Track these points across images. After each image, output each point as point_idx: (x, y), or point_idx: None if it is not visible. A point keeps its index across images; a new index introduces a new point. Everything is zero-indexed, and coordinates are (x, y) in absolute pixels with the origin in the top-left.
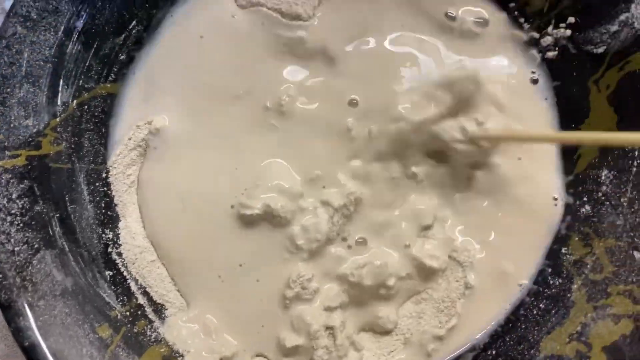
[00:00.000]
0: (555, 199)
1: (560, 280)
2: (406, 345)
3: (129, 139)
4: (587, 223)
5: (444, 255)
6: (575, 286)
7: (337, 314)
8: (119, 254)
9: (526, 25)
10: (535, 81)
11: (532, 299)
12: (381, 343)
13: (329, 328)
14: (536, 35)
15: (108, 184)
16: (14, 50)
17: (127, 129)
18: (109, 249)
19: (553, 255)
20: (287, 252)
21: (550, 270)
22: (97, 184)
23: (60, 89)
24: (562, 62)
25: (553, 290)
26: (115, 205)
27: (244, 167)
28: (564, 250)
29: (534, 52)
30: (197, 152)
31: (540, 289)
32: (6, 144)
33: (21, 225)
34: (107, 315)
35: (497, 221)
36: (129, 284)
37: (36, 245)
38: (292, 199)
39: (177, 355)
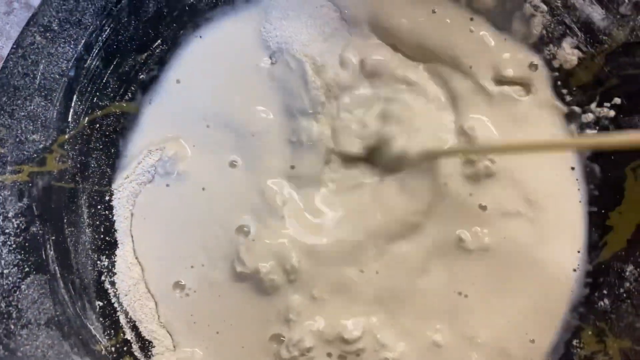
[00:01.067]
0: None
1: None
2: None
3: (139, 163)
4: (604, 318)
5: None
6: None
7: None
8: (112, 284)
9: (568, 98)
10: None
11: None
12: None
13: None
14: (578, 110)
15: (110, 208)
16: (30, 60)
17: (138, 152)
18: (103, 277)
19: (563, 346)
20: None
21: None
22: (98, 207)
23: (72, 104)
24: None
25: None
26: (115, 231)
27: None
28: (575, 342)
29: (573, 126)
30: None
31: None
32: (9, 158)
33: (14, 246)
34: (92, 350)
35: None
36: (118, 316)
37: (27, 269)
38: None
39: None
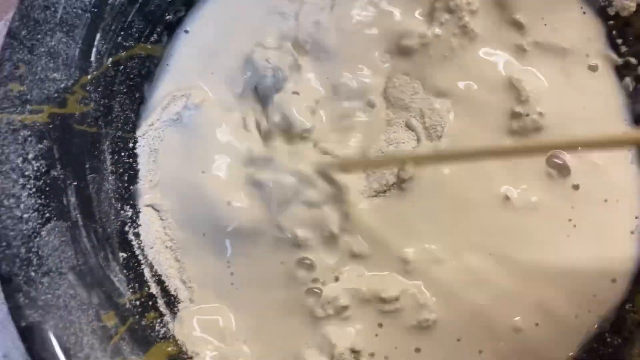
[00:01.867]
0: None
1: (619, 340)
2: None
3: (164, 109)
4: None
5: None
6: (636, 350)
7: (364, 336)
8: (136, 235)
9: (624, 48)
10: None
11: (585, 355)
12: None
13: (355, 352)
14: (634, 61)
15: (135, 156)
16: None
17: (162, 97)
18: (126, 228)
19: (615, 311)
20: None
21: (609, 326)
22: (122, 154)
23: (96, 43)
24: None
25: (609, 350)
26: (139, 180)
27: None
28: (628, 306)
29: (628, 80)
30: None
31: (596, 346)
32: (29, 96)
33: (34, 190)
34: (115, 303)
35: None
36: (142, 269)
37: (47, 215)
38: None
39: (185, 356)
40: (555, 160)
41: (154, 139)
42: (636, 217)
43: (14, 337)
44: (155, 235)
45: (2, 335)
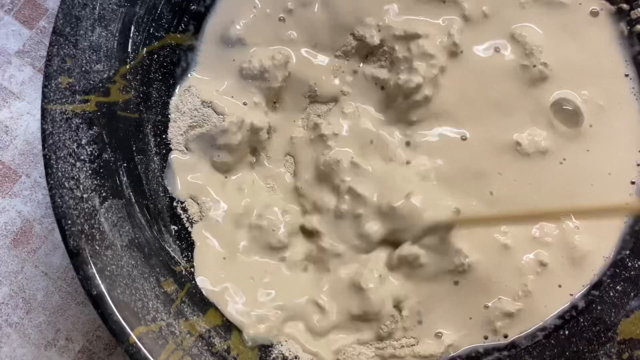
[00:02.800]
0: (633, 183)
1: (639, 263)
2: (475, 320)
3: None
4: None
5: None
6: None
7: (405, 285)
8: (184, 209)
9: None
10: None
11: (609, 280)
12: (448, 316)
13: (398, 299)
14: (626, 6)
15: None
16: None
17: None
18: (175, 203)
19: (633, 235)
20: None
21: (628, 252)
22: (163, 136)
23: (131, 35)
24: None
25: (632, 273)
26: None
27: None
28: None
29: (622, 25)
30: None
31: (617, 271)
32: (77, 87)
33: (90, 172)
34: (172, 270)
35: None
36: (193, 240)
37: (104, 194)
38: None
39: None
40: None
41: None
42: None
43: (74, 320)
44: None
45: (63, 319)
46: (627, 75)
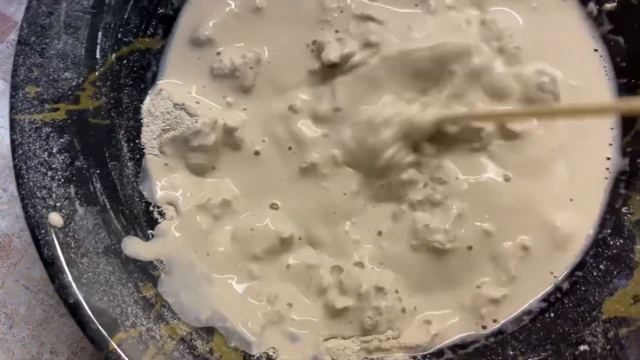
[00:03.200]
0: (608, 159)
1: (621, 241)
2: (460, 308)
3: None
4: None
5: None
6: (638, 246)
7: (388, 275)
8: (161, 214)
9: None
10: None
11: (592, 260)
12: (433, 305)
13: (380, 289)
14: None
15: None
16: None
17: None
18: (151, 208)
19: (612, 214)
20: None
21: (609, 230)
22: (136, 141)
23: (99, 41)
24: (622, 13)
25: (614, 251)
26: None
27: None
28: (624, 209)
29: (592, 4)
30: None
31: (600, 250)
32: (45, 96)
33: (62, 180)
34: (151, 275)
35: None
36: None
37: (77, 202)
38: None
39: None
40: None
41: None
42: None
43: (58, 332)
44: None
45: (46, 332)
46: (596, 51)
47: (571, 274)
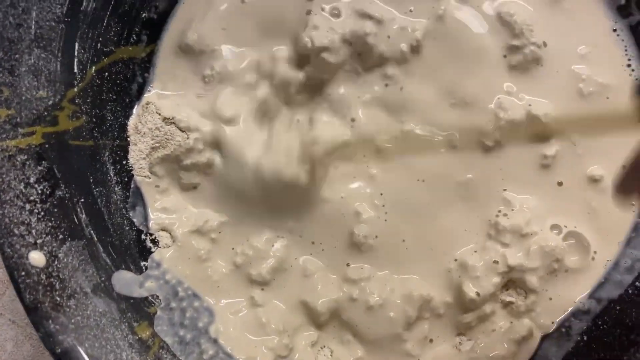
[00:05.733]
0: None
1: None
2: None
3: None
4: None
5: None
6: None
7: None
8: (154, 242)
9: None
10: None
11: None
12: None
13: None
14: None
15: None
16: (20, 8)
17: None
18: (143, 236)
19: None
20: None
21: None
22: (123, 162)
23: (76, 53)
24: None
25: None
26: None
27: None
28: None
29: None
30: None
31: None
32: (18, 119)
33: (42, 213)
34: (146, 312)
35: None
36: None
37: (61, 236)
38: None
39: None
40: None
41: None
42: None
43: None
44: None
45: None
46: (624, 43)
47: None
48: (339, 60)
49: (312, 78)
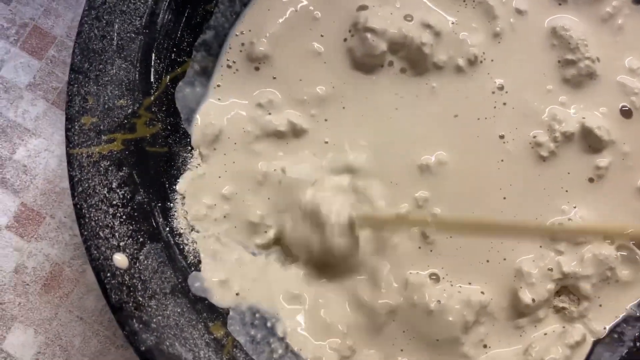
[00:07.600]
0: None
1: None
2: None
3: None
4: None
5: None
6: None
7: None
8: None
9: None
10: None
11: None
12: None
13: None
14: None
15: None
16: (104, 21)
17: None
18: None
19: None
20: None
21: None
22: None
23: (152, 64)
24: None
25: None
26: None
27: None
28: None
29: None
30: None
31: None
32: (101, 127)
33: (124, 217)
34: (219, 312)
35: None
36: None
37: (141, 239)
38: None
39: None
40: None
41: None
42: None
43: None
44: None
45: None
46: None
47: None
48: None
49: None
